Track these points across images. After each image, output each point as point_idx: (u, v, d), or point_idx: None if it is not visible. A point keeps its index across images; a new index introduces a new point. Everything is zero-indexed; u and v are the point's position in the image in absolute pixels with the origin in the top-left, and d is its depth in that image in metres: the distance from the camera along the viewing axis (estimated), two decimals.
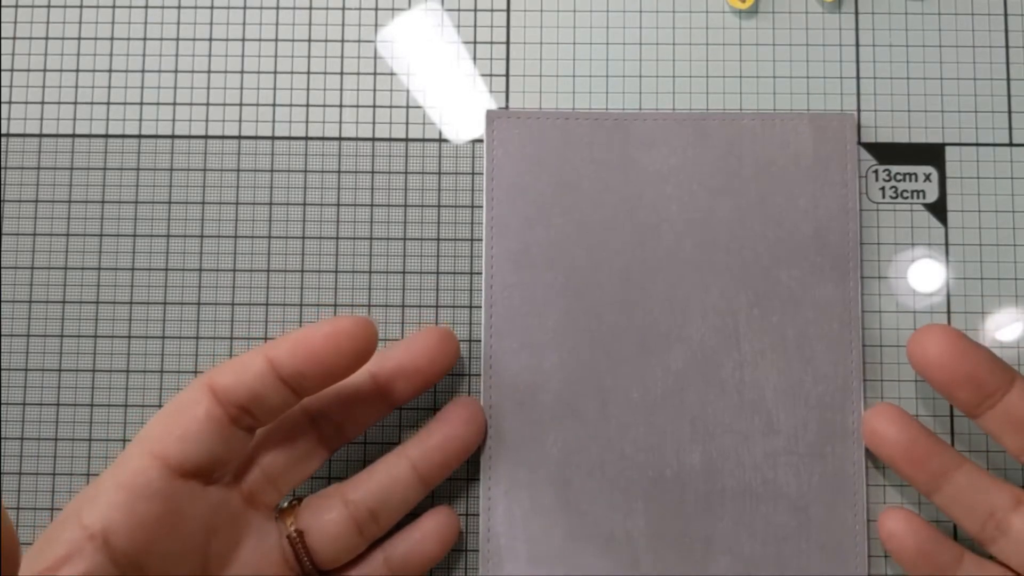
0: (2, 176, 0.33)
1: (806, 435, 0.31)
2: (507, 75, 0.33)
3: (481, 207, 0.33)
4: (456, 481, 0.32)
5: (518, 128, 0.32)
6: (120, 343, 0.32)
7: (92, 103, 0.33)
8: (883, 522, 0.30)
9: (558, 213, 0.32)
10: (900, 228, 0.33)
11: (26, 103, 0.34)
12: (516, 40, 0.34)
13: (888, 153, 0.33)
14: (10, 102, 0.34)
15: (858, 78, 0.33)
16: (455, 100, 0.33)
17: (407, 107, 0.33)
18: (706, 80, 0.33)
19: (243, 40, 0.34)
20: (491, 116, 0.32)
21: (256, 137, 0.33)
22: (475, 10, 0.34)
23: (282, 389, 0.26)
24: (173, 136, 0.33)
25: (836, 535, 0.31)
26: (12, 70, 0.34)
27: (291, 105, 0.33)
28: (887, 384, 0.32)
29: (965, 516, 0.28)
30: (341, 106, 0.33)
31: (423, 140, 0.33)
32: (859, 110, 0.33)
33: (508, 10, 0.34)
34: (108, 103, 0.33)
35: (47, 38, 0.34)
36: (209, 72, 0.34)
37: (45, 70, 0.34)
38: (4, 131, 0.33)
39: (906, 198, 0.33)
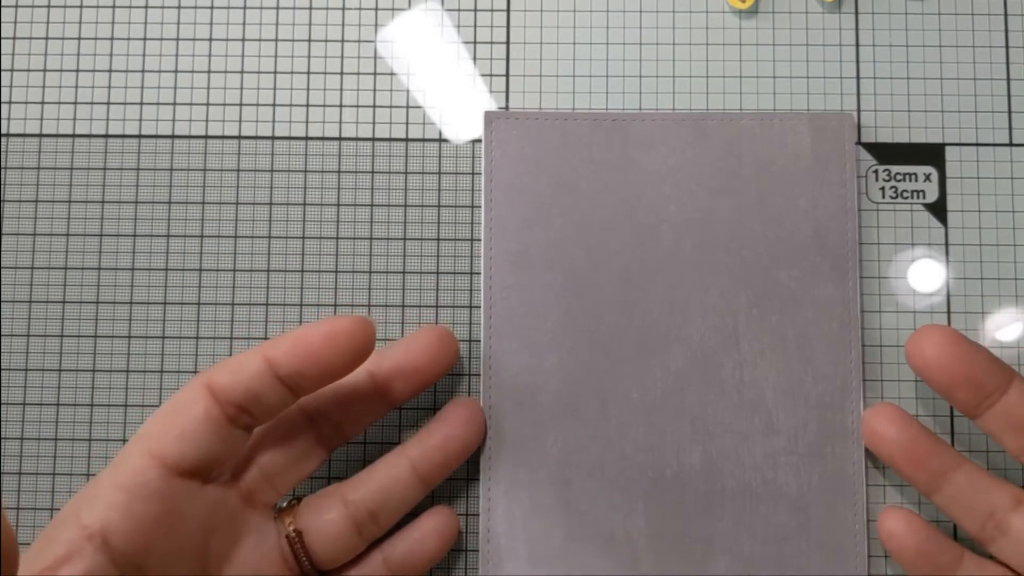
0: (2, 176, 0.33)
1: (806, 435, 0.31)
2: (507, 75, 0.34)
3: (481, 207, 0.33)
4: (456, 481, 0.32)
5: (516, 129, 0.32)
6: (120, 343, 0.32)
7: (92, 103, 0.33)
8: (883, 522, 0.30)
9: (557, 213, 0.32)
10: (900, 228, 0.33)
11: (26, 103, 0.34)
12: (516, 40, 0.34)
13: (888, 153, 0.33)
14: (10, 102, 0.34)
15: (858, 78, 0.33)
16: (455, 100, 0.33)
17: (407, 107, 0.33)
18: (706, 80, 0.33)
19: (243, 40, 0.34)
20: (489, 117, 0.32)
21: (256, 137, 0.33)
22: (475, 10, 0.34)
23: (280, 388, 0.26)
24: (173, 136, 0.33)
25: (836, 535, 0.31)
26: (12, 70, 0.34)
27: (291, 105, 0.33)
28: (887, 384, 0.32)
29: (965, 516, 0.28)
30: (341, 106, 0.33)
31: (423, 140, 0.33)
32: (859, 110, 0.33)
33: (508, 10, 0.34)
34: (108, 103, 0.34)
35: (47, 38, 0.34)
36: (209, 72, 0.34)
37: (45, 70, 0.34)
38: (4, 131, 0.33)
39: (906, 198, 0.33)
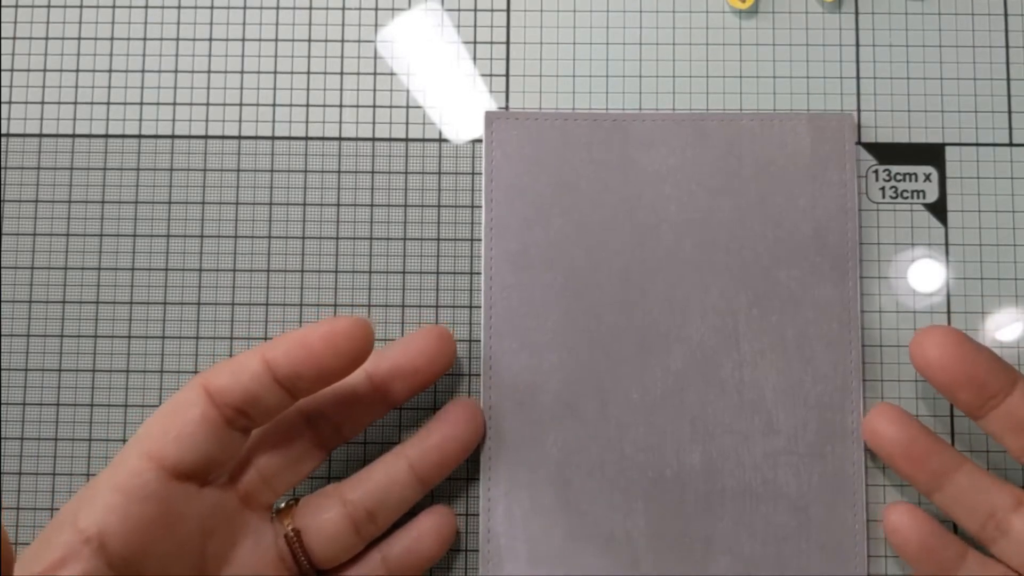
0: (2, 176, 0.33)
1: (806, 435, 0.31)
2: (507, 75, 0.34)
3: (481, 207, 0.33)
4: (456, 481, 0.32)
5: (517, 129, 0.32)
6: (120, 343, 0.32)
7: (92, 103, 0.33)
8: (887, 516, 0.30)
9: (557, 213, 0.32)
10: (900, 228, 0.33)
11: (26, 103, 0.34)
12: (516, 40, 0.34)
13: (888, 153, 0.33)
14: (10, 102, 0.34)
15: (858, 78, 0.33)
16: (455, 100, 0.33)
17: (407, 107, 0.33)
18: (706, 80, 0.33)
19: (243, 40, 0.34)
20: (490, 117, 0.32)
21: (256, 137, 0.33)
22: (475, 10, 0.34)
23: (278, 390, 0.26)
24: (173, 136, 0.33)
25: (836, 535, 0.31)
26: (12, 70, 0.34)
27: (291, 105, 0.33)
28: (887, 384, 0.32)
29: (966, 516, 0.28)
30: (341, 106, 0.33)
31: (423, 140, 0.33)
32: (859, 110, 0.33)
33: (508, 10, 0.34)
34: (108, 103, 0.34)
35: (47, 38, 0.34)
36: (209, 72, 0.34)
37: (45, 70, 0.34)
38: (4, 131, 0.33)
39: (906, 198, 0.33)
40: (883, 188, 0.33)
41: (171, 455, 0.25)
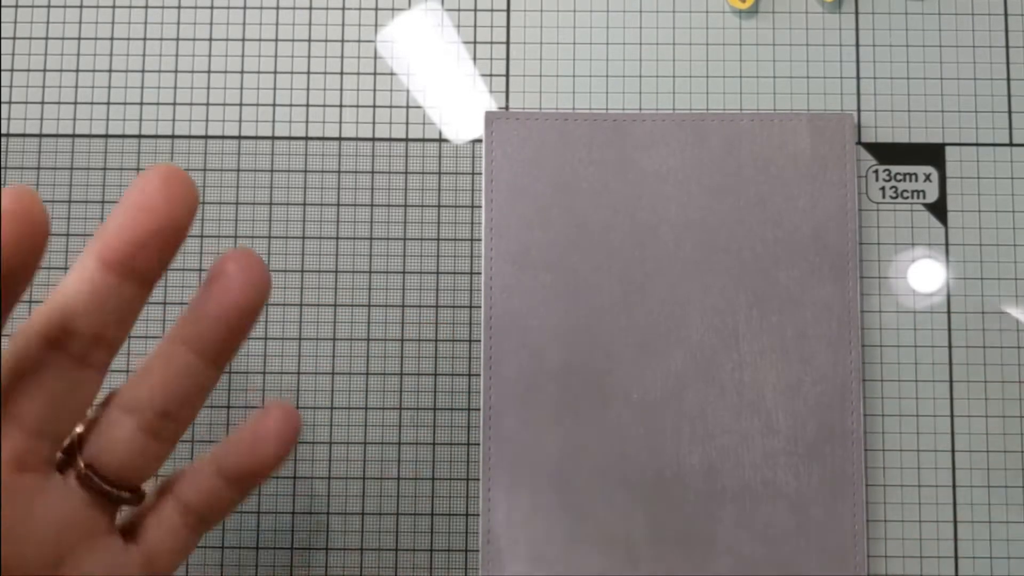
0: (2, 176, 0.33)
1: (805, 435, 0.31)
2: (507, 75, 0.34)
3: (481, 207, 0.33)
4: (456, 481, 0.32)
5: (517, 129, 0.32)
6: None
7: (92, 103, 0.33)
8: None
9: (557, 214, 0.32)
10: (900, 228, 0.33)
11: (26, 103, 0.34)
12: (516, 40, 0.34)
13: (888, 153, 0.33)
14: (10, 102, 0.34)
15: (858, 78, 0.33)
16: (455, 100, 0.33)
17: (407, 107, 0.33)
18: (706, 80, 0.33)
19: (243, 40, 0.34)
20: (490, 117, 0.32)
21: (256, 137, 0.33)
22: (475, 10, 0.34)
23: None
24: (173, 136, 0.33)
25: (836, 535, 0.31)
26: (12, 70, 0.34)
27: (291, 105, 0.33)
28: (887, 384, 0.32)
29: None
30: (341, 106, 0.33)
31: (423, 140, 0.33)
32: (859, 110, 0.33)
33: (508, 10, 0.34)
34: (108, 103, 0.34)
35: (47, 38, 0.34)
36: (209, 72, 0.34)
37: (45, 70, 0.34)
38: (4, 131, 0.33)
39: (906, 198, 0.33)
40: (883, 188, 0.33)
41: None
